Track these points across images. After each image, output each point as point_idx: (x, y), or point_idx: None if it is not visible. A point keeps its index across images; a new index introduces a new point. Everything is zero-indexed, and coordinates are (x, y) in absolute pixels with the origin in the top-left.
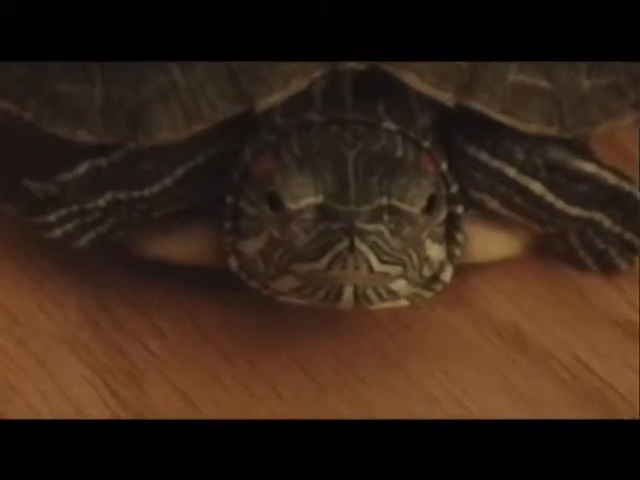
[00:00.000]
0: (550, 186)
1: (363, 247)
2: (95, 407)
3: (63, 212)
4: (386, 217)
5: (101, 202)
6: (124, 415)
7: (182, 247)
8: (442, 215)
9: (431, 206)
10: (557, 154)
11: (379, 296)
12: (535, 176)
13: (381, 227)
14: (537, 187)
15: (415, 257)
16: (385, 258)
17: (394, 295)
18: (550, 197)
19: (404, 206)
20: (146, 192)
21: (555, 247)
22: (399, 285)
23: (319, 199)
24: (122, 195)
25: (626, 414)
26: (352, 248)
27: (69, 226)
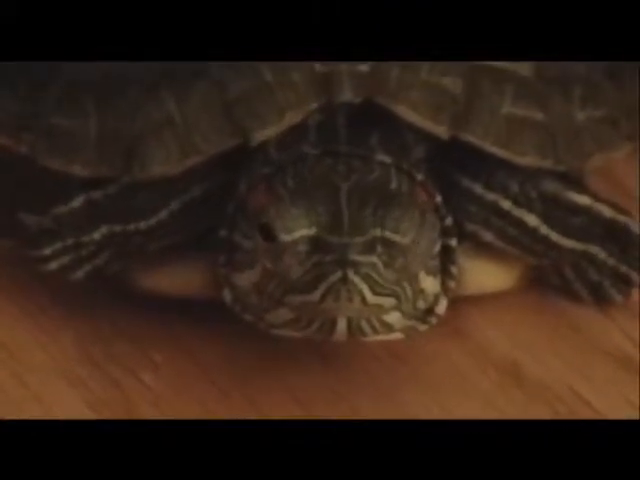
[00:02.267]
0: (545, 218)
1: (356, 279)
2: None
3: (59, 245)
4: (379, 249)
5: (96, 235)
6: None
7: (177, 280)
8: (435, 247)
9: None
10: (551, 186)
11: (373, 328)
12: (530, 208)
13: (374, 259)
14: (532, 219)
15: (409, 289)
16: (378, 290)
17: (388, 327)
18: (545, 229)
19: (397, 238)
20: (142, 225)
21: (550, 279)
22: (393, 317)
23: (312, 231)
24: (117, 228)
25: None
26: (345, 280)
27: (65, 259)
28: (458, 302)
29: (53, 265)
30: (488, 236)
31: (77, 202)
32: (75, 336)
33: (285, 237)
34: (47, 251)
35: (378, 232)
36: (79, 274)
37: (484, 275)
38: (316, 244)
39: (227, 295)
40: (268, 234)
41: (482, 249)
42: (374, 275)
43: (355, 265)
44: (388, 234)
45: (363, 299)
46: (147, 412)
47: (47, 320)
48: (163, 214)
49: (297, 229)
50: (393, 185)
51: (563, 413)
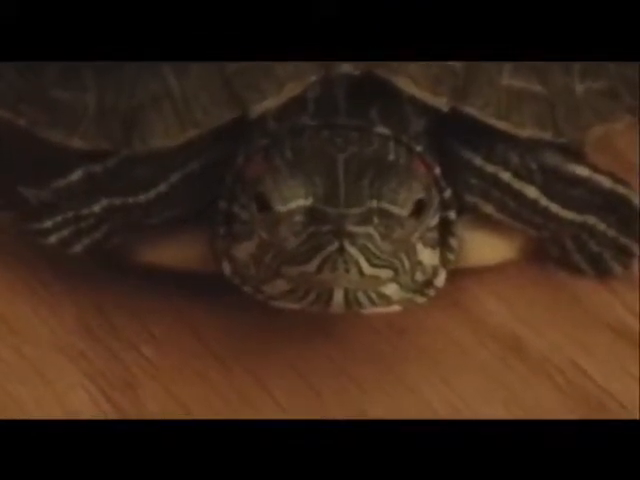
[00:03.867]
0: (544, 190)
1: (353, 250)
2: (90, 414)
3: (58, 219)
4: (376, 220)
5: (96, 208)
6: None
7: (177, 252)
8: (433, 220)
9: (421, 210)
10: (551, 158)
11: (370, 300)
12: (529, 180)
13: (371, 230)
14: (531, 191)
15: (406, 261)
16: (375, 261)
17: (386, 299)
18: (544, 201)
19: (394, 209)
20: (141, 198)
21: (550, 251)
22: (391, 289)
23: (308, 202)
24: (117, 201)
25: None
26: (342, 251)
27: (64, 232)
28: (458, 274)
29: (53, 238)
30: (488, 208)
31: (76, 175)
32: (75, 309)
33: (281, 207)
34: (47, 224)
35: (375, 203)
36: (79, 247)
37: (484, 247)
38: (312, 215)
39: (226, 267)
40: (264, 204)
41: (482, 221)
42: (371, 246)
43: (352, 236)
44: (385, 205)
45: (360, 270)
46: (147, 385)
47: (47, 294)
48: (162, 187)
49: (293, 199)
50: (391, 157)
51: (563, 385)
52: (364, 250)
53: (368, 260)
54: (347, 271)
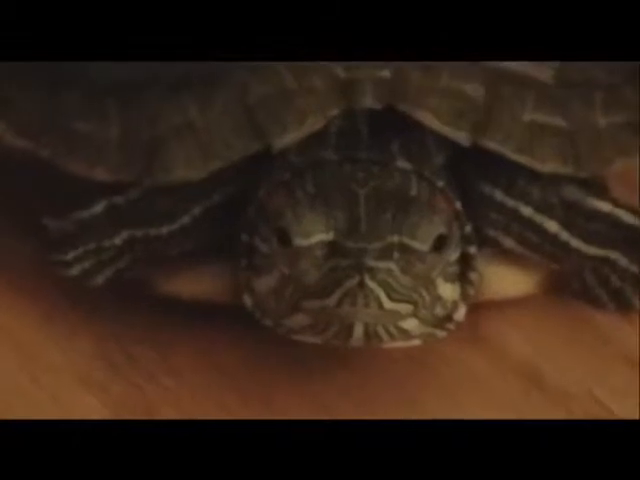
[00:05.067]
0: (566, 225)
1: (373, 284)
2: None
3: (80, 250)
4: (396, 255)
5: (118, 240)
6: None
7: (198, 284)
8: (454, 254)
9: (442, 245)
10: (572, 193)
11: (390, 334)
12: (551, 215)
13: (391, 265)
14: (552, 226)
15: (427, 296)
16: (395, 296)
17: (406, 334)
18: (565, 235)
19: (415, 244)
20: (163, 230)
21: (571, 285)
22: (410, 324)
23: (329, 236)
24: (138, 233)
25: None
26: (362, 285)
27: (86, 264)
28: (478, 307)
29: (75, 270)
30: (509, 242)
31: (99, 207)
32: (94, 339)
33: (301, 242)
34: (69, 256)
35: (395, 238)
36: (100, 279)
37: (504, 281)
38: (333, 249)
39: (247, 300)
40: (284, 238)
41: (503, 255)
42: (391, 281)
43: (372, 270)
44: (406, 240)
45: (380, 305)
46: (167, 416)
47: (66, 324)
48: (185, 219)
49: (314, 234)
50: (413, 192)
51: (581, 417)
52: (384, 285)
53: (388, 295)
54: (367, 306)
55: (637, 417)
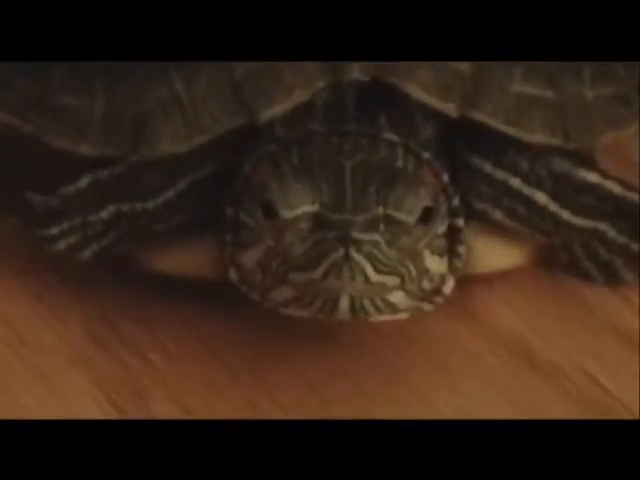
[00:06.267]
0: (554, 196)
1: (358, 257)
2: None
3: (66, 225)
4: (382, 227)
5: (104, 215)
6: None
7: (184, 260)
8: (441, 227)
9: (428, 217)
10: (561, 164)
11: (376, 308)
12: (539, 186)
13: (377, 237)
14: (541, 197)
15: (413, 268)
16: (381, 268)
17: (392, 307)
18: (554, 207)
19: (401, 216)
20: (149, 205)
21: (560, 258)
22: (397, 297)
23: (315, 208)
24: (125, 208)
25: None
26: (347, 257)
27: (72, 239)
28: (467, 281)
29: (60, 245)
30: (497, 215)
31: (84, 182)
32: (82, 316)
33: (287, 214)
34: (54, 231)
35: (381, 210)
36: (86, 254)
37: (493, 254)
38: (318, 221)
39: (233, 274)
40: (270, 211)
41: (491, 228)
42: (377, 253)
43: (357, 243)
44: (392, 212)
45: (366, 277)
46: (155, 392)
47: (53, 300)
48: (170, 193)
49: (299, 206)
50: (399, 164)
51: (573, 392)
52: (370, 257)
53: (374, 267)
54: (353, 278)
55: (629, 391)
